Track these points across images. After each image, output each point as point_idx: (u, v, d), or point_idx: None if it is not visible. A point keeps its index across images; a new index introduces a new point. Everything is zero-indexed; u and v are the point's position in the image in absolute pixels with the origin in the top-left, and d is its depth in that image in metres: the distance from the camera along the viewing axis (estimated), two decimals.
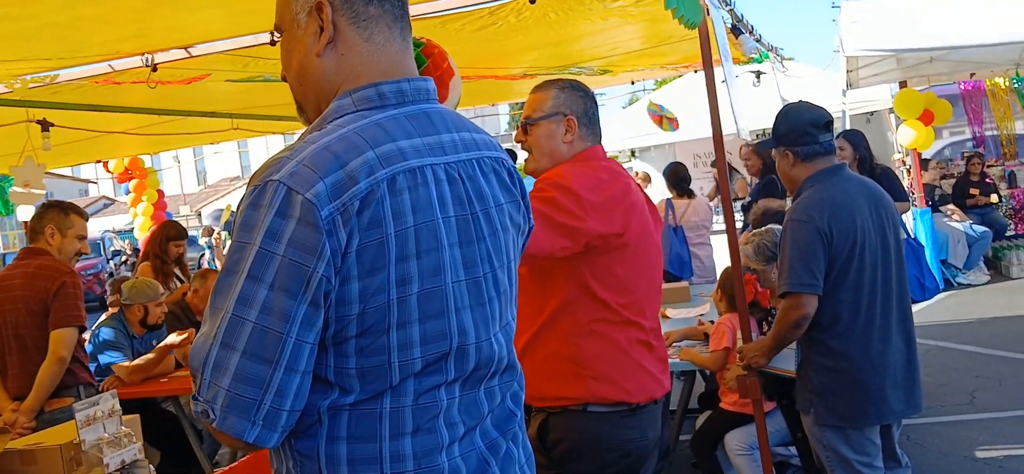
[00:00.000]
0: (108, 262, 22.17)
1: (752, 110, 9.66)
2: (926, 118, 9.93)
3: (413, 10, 4.11)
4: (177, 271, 6.43)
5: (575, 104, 2.70)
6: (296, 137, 1.75)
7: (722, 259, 4.69)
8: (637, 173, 12.97)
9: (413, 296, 1.39)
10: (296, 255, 1.31)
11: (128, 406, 3.50)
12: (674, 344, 4.62)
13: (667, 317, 5.43)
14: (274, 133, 8.66)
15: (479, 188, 1.53)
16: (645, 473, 2.70)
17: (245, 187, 1.41)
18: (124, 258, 21.28)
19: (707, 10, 3.48)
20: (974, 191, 11.67)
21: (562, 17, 4.35)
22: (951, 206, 11.27)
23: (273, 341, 1.32)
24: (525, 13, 4.10)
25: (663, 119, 10.60)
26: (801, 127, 3.43)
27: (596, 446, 2.57)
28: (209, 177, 43.23)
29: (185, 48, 4.33)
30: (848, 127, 8.35)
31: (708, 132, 3.84)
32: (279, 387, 1.33)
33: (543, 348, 2.56)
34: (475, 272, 1.49)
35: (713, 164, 11.24)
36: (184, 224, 8.65)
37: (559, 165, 2.66)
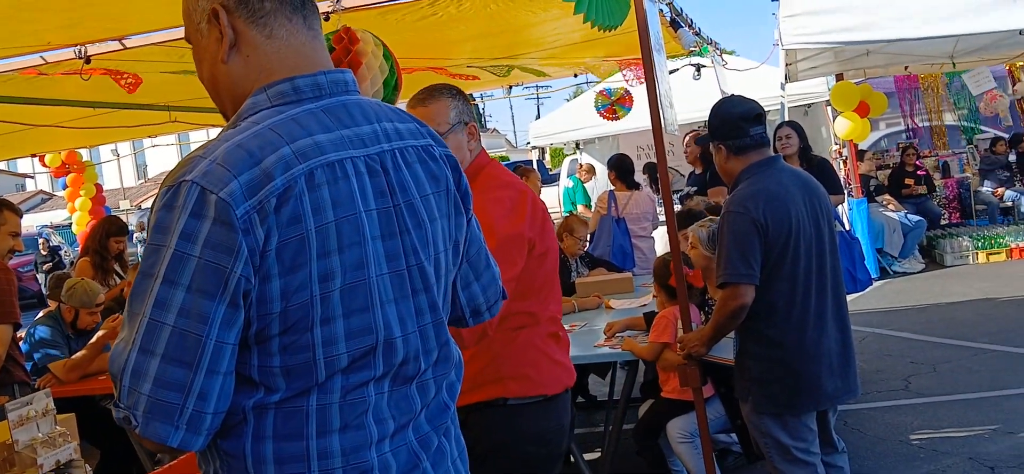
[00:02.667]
0: (43, 259, 21.60)
1: (693, 103, 9.83)
2: (862, 110, 10.13)
3: (354, 1, 4.10)
4: (117, 267, 6.30)
5: (470, 111, 2.74)
6: None
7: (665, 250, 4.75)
8: (582, 165, 13.06)
9: (336, 291, 1.38)
10: (212, 256, 1.29)
11: (67, 405, 3.42)
12: (616, 334, 4.66)
13: (611, 308, 5.48)
14: (215, 126, 8.50)
15: (403, 179, 1.51)
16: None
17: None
18: (50, 257, 20.70)
19: (643, 4, 3.50)
20: (909, 181, 11.97)
21: (503, 7, 4.35)
22: (887, 196, 11.55)
23: (193, 344, 1.29)
24: (465, 4, 4.10)
25: (614, 106, 10.67)
26: (733, 121, 3.48)
27: (517, 439, 2.60)
28: (149, 171, 42.35)
29: (119, 39, 4.23)
30: (787, 119, 8.49)
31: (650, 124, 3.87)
32: (201, 390, 1.31)
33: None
34: (399, 265, 1.48)
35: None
36: (124, 219, 8.46)
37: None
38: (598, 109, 11.05)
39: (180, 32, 4.24)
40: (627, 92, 10.43)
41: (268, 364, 1.38)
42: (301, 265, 1.34)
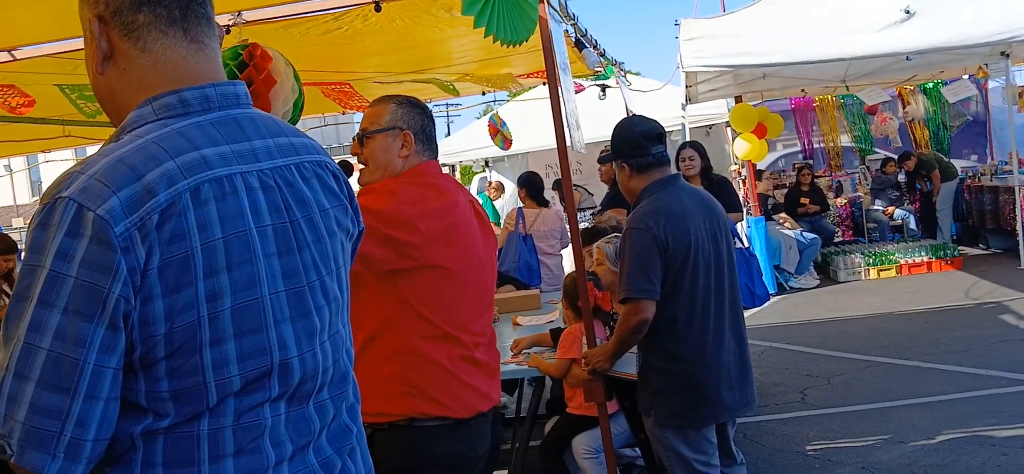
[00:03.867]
0: None
1: (600, 122, 9.98)
2: (760, 131, 10.48)
3: (256, 14, 4.03)
4: (6, 287, 6.02)
5: (412, 120, 2.71)
6: None
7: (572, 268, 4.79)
8: (491, 183, 13.12)
9: (226, 311, 1.33)
10: (89, 276, 1.23)
11: None
12: (523, 351, 4.68)
13: (518, 324, 5.50)
14: None
15: (300, 194, 1.48)
16: None
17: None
18: None
19: (548, 24, 3.54)
20: (804, 200, 12.40)
21: (409, 23, 4.34)
22: (783, 214, 11.93)
23: (69, 368, 1.23)
24: (371, 19, 4.06)
25: (499, 134, 10.73)
26: (634, 140, 3.56)
27: (421, 460, 2.56)
28: (44, 187, 40.68)
29: (9, 50, 4.06)
30: (689, 140, 8.71)
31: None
32: (79, 417, 1.24)
33: (366, 365, 2.50)
34: (298, 282, 1.45)
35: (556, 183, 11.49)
36: (16, 237, 8.09)
37: (387, 179, 2.66)
38: (490, 120, 11.07)
39: (73, 44, 4.10)
40: (511, 138, 10.49)
41: (155, 389, 1.32)
42: (186, 284, 1.30)
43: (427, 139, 2.74)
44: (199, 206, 1.31)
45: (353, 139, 2.78)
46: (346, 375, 1.58)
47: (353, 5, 3.96)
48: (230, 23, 3.92)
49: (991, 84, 14.02)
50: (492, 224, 9.80)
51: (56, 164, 15.17)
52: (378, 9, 3.75)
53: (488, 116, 10.91)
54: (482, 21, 2.86)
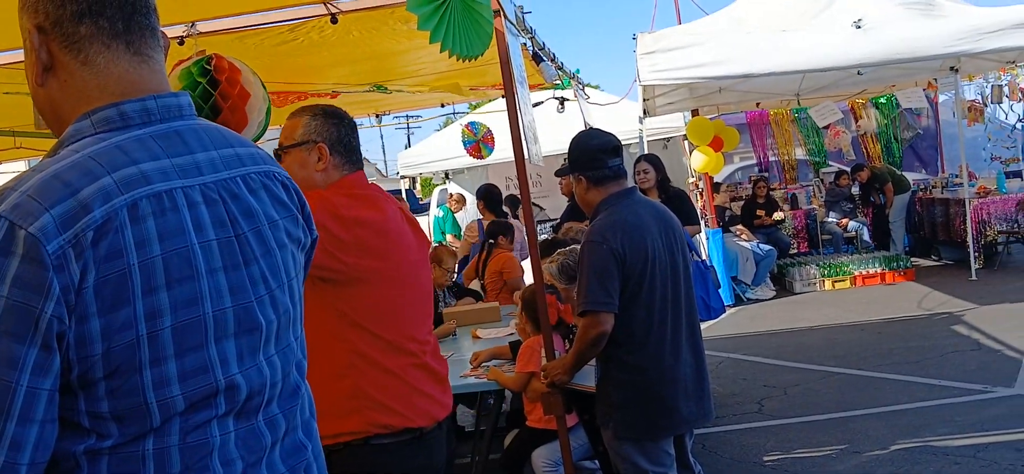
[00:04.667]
0: None
1: (558, 135, 10.02)
2: (716, 144, 10.59)
3: (210, 26, 3.99)
4: None
5: (328, 132, 2.63)
6: None
7: (531, 281, 4.78)
8: (452, 195, 13.09)
9: (166, 330, 1.30)
10: (20, 295, 1.19)
11: None
12: (482, 364, 4.66)
13: (478, 337, 5.48)
14: None
15: (246, 206, 1.45)
16: None
17: None
18: None
19: (504, 37, 3.54)
20: (760, 212, 12.55)
21: (366, 35, 4.32)
22: (740, 226, 12.06)
23: (1, 391, 1.19)
24: (327, 30, 4.04)
25: (479, 145, 10.79)
26: (591, 153, 3.57)
27: None
28: None
29: None
30: (646, 152, 8.78)
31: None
32: (13, 440, 1.20)
33: (314, 384, 2.47)
34: (245, 297, 1.42)
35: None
36: None
37: (314, 191, 2.56)
38: (465, 145, 11.15)
39: (19, 54, 4.00)
40: (490, 132, 10.55)
41: (96, 409, 1.28)
42: (123, 303, 1.26)
43: (346, 150, 2.66)
44: (137, 222, 1.28)
45: (273, 153, 2.68)
46: (298, 388, 1.55)
47: (309, 17, 3.93)
48: (184, 34, 3.86)
49: (941, 98, 14.33)
50: (452, 236, 9.80)
51: (6, 177, 14.82)
52: (334, 21, 3.73)
53: (462, 140, 10.96)
54: (438, 36, 2.85)
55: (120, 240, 1.26)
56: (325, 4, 3.69)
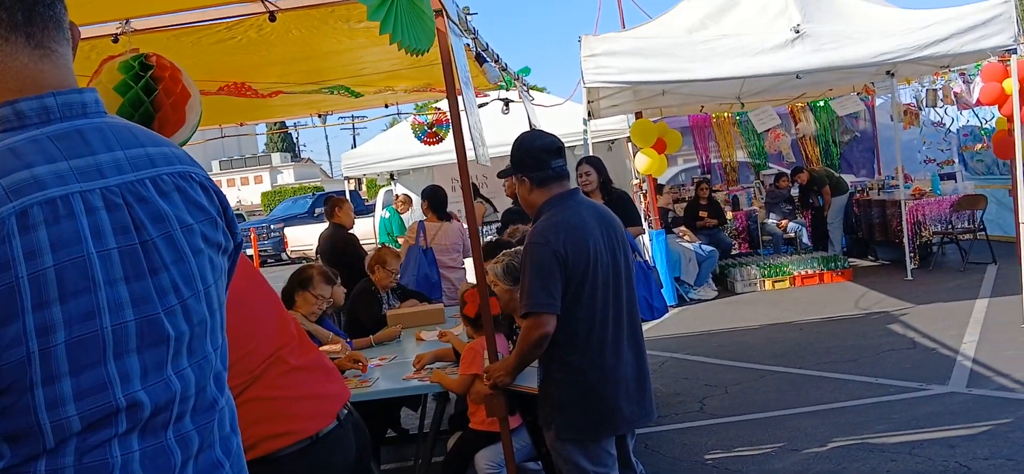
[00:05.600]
0: None
1: (503, 136, 10.03)
2: (659, 146, 10.69)
3: (145, 23, 3.89)
4: None
5: None
6: None
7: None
8: (398, 196, 13.01)
9: (60, 346, 1.22)
10: None
11: None
12: (426, 366, 4.63)
13: (421, 340, 5.44)
14: None
15: (156, 210, 1.37)
16: None
17: None
18: None
19: (447, 37, 3.52)
20: (703, 214, 12.70)
21: (306, 34, 4.26)
22: (683, 228, 12.20)
23: None
24: (266, 28, 3.97)
25: (434, 130, 10.74)
26: (534, 154, 3.57)
27: None
28: None
29: None
30: (591, 154, 8.82)
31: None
32: None
33: None
34: (152, 308, 1.33)
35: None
36: None
37: None
38: (419, 138, 11.08)
39: None
40: (441, 110, 10.53)
41: None
42: (12, 318, 1.19)
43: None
44: (27, 231, 1.21)
45: None
46: (215, 402, 1.47)
47: (247, 14, 3.86)
48: (118, 31, 3.77)
49: (878, 101, 14.67)
50: (401, 238, 9.69)
51: None
52: (272, 19, 3.67)
53: (414, 134, 10.91)
54: (387, 27, 2.81)
55: (7, 251, 1.19)
56: (263, 1, 3.63)
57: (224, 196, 1.57)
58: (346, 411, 2.66)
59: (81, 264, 1.25)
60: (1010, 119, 8.13)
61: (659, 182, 12.39)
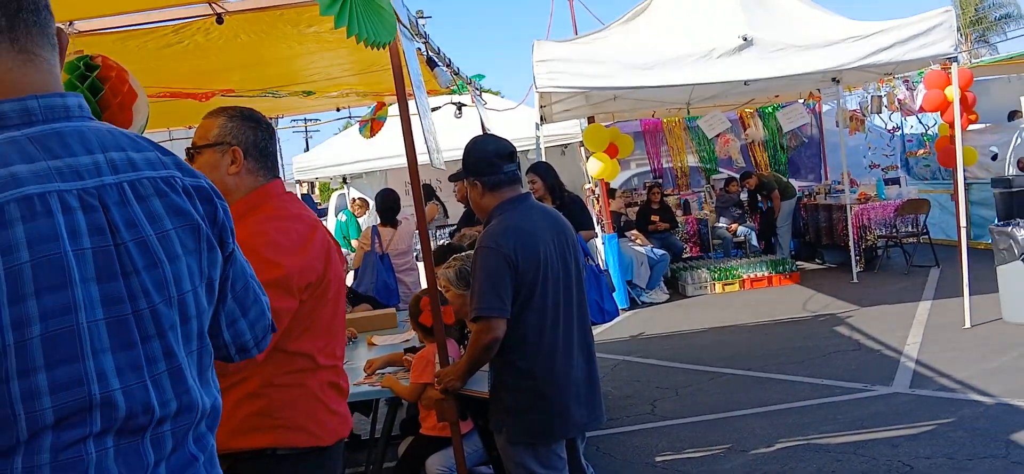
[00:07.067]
0: None
1: (456, 140, 10.02)
2: (611, 151, 10.77)
3: (89, 25, 3.84)
4: None
5: (243, 135, 2.55)
6: None
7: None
8: (355, 200, 12.94)
9: (35, 340, 1.25)
10: None
11: None
12: (377, 371, 4.61)
13: (374, 344, 5.42)
14: None
15: (131, 215, 1.39)
16: None
17: None
18: None
19: (398, 41, 3.52)
20: (655, 218, 12.83)
21: (255, 39, 4.22)
22: (635, 231, 12.30)
23: None
24: (213, 32, 3.93)
25: (373, 122, 10.65)
26: (487, 158, 3.57)
27: None
28: None
29: None
30: (544, 158, 8.86)
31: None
32: None
33: (231, 402, 2.36)
34: (120, 310, 1.35)
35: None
36: None
37: (248, 221, 2.45)
38: (361, 132, 10.98)
39: None
40: (378, 103, 10.43)
41: None
42: None
43: (261, 155, 2.58)
44: (3, 227, 1.23)
45: (185, 152, 2.61)
46: (193, 404, 1.48)
47: (193, 17, 3.82)
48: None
49: (824, 107, 14.93)
50: (356, 242, 9.62)
51: None
52: (220, 22, 3.63)
53: (360, 132, 10.82)
54: (342, 21, 2.78)
55: None
56: (210, 4, 3.59)
57: (218, 200, 1.57)
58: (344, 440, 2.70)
59: (57, 260, 1.28)
60: (952, 125, 8.34)
61: (611, 186, 12.48)
